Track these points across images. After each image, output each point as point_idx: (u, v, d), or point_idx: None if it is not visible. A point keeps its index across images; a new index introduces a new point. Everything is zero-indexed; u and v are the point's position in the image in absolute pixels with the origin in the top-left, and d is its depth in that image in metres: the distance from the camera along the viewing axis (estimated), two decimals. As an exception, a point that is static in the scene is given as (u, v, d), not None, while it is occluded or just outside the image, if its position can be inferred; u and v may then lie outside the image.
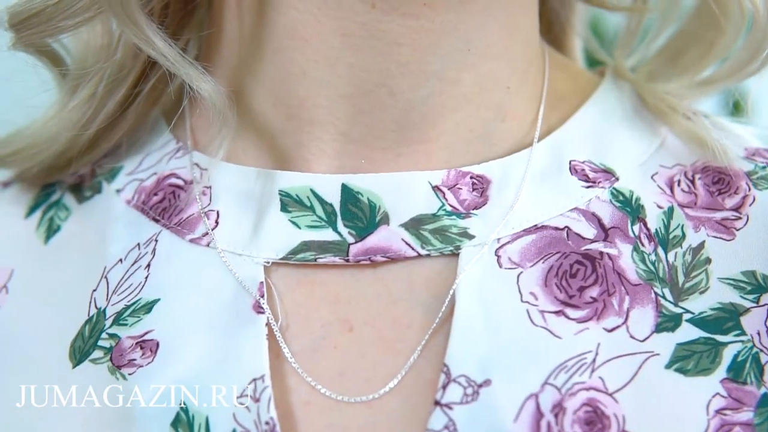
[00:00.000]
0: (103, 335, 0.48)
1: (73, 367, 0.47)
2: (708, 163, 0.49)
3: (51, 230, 0.53)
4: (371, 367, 0.45)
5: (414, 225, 0.47)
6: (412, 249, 0.46)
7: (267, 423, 0.43)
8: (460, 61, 0.46)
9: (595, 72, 0.55)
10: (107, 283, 0.49)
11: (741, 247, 0.46)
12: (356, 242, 0.47)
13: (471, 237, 0.46)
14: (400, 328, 0.45)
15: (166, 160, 0.52)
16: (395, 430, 0.44)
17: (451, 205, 0.47)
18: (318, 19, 0.46)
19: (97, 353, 0.47)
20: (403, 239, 0.46)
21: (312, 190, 0.47)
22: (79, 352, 0.48)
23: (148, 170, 0.52)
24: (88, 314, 0.48)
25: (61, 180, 0.55)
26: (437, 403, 0.43)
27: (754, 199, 0.48)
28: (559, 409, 0.42)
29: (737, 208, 0.47)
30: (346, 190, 0.47)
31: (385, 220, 0.47)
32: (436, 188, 0.47)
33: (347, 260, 0.46)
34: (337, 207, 0.47)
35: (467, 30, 0.46)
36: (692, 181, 0.49)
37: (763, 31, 0.49)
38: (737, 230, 0.47)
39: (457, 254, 0.46)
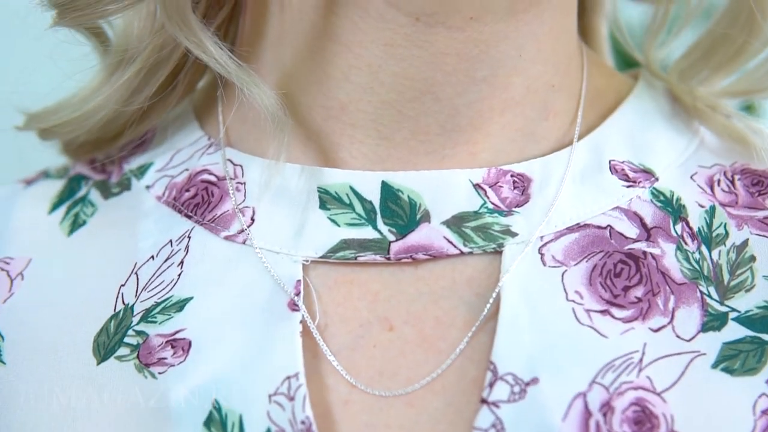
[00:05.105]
0: (130, 332, 0.47)
1: (98, 363, 0.46)
2: (747, 166, 0.49)
3: (76, 224, 0.52)
4: (413, 366, 0.44)
5: (456, 222, 0.46)
6: (455, 247, 0.46)
7: (303, 422, 0.42)
8: (510, 67, 0.46)
9: (629, 74, 0.55)
10: (137, 279, 0.48)
11: None
12: (397, 240, 0.46)
13: (514, 234, 0.46)
14: (442, 327, 0.45)
15: (198, 156, 0.51)
16: (438, 428, 0.43)
17: (492, 203, 0.46)
18: (359, 27, 0.45)
19: (122, 350, 0.46)
20: (445, 237, 0.46)
21: (351, 188, 0.47)
22: (104, 348, 0.47)
23: (179, 166, 0.51)
24: (114, 309, 0.47)
25: (87, 176, 0.54)
26: (484, 401, 0.42)
27: None
28: (607, 408, 0.42)
29: None
30: (386, 187, 0.47)
31: (426, 217, 0.46)
32: (477, 186, 0.46)
33: (388, 258, 0.46)
34: (376, 204, 0.47)
35: (518, 37, 0.45)
36: (732, 182, 0.49)
37: None
38: None
39: (500, 252, 0.46)
